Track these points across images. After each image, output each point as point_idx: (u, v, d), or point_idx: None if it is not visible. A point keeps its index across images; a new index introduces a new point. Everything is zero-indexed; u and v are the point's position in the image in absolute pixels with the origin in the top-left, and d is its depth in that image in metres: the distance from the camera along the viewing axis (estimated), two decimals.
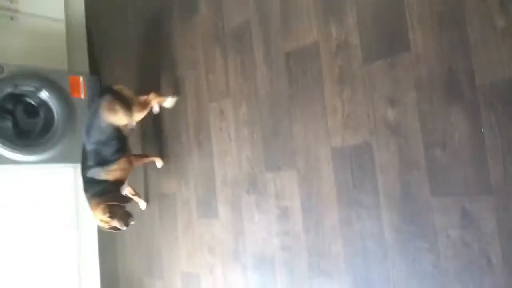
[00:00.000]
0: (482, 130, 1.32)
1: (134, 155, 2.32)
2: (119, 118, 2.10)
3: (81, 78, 2.78)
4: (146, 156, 2.47)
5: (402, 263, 1.49)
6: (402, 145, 1.50)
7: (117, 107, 2.08)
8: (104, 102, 2.07)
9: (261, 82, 1.94)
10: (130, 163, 2.20)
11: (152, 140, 2.55)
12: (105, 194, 2.07)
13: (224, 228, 2.09)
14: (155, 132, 2.51)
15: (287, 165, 1.84)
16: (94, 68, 3.02)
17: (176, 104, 2.35)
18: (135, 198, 2.47)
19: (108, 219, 2.07)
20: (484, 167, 1.32)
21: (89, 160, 2.11)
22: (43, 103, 2.62)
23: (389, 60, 1.53)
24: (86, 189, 2.13)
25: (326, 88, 1.71)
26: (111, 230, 2.16)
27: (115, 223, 2.08)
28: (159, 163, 2.43)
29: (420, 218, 1.45)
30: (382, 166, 1.55)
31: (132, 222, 2.13)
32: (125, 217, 2.10)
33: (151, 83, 2.52)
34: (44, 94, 2.60)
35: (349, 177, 1.64)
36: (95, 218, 2.11)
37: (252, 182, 1.98)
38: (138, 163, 2.35)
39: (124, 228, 2.11)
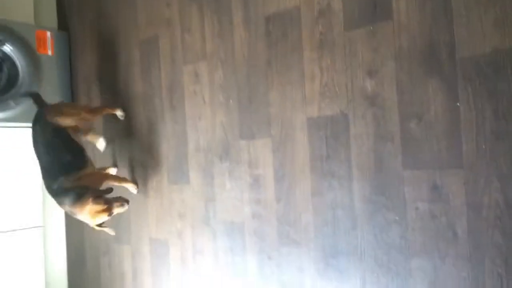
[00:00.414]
0: (458, 104, 1.31)
1: (107, 174, 2.27)
2: (65, 119, 2.06)
3: (48, 33, 2.61)
4: (124, 179, 2.32)
5: (370, 234, 1.50)
6: (378, 116, 1.48)
7: (62, 107, 2.12)
8: (46, 108, 2.09)
9: (239, 45, 1.87)
10: (100, 178, 2.14)
11: (124, 99, 2.45)
12: (84, 195, 1.93)
13: (195, 194, 2.06)
14: (126, 92, 2.41)
15: (261, 133, 1.80)
16: (63, 24, 2.85)
17: (149, 64, 2.25)
18: (124, 184, 2.31)
19: (106, 207, 1.94)
20: (457, 141, 1.32)
21: (50, 174, 2.00)
22: (7, 58, 2.46)
23: (371, 28, 1.49)
24: (61, 202, 1.97)
25: (306, 55, 1.66)
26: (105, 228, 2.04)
27: (116, 207, 1.97)
28: (133, 190, 2.33)
29: (390, 190, 1.45)
30: (357, 137, 1.53)
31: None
32: (120, 198, 2.00)
33: (123, 42, 2.39)
34: (7, 48, 2.43)
35: (323, 147, 1.62)
36: (91, 219, 1.96)
37: (225, 149, 1.93)
38: (110, 182, 2.20)
39: (126, 206, 2.01)
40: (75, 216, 1.99)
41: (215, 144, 1.97)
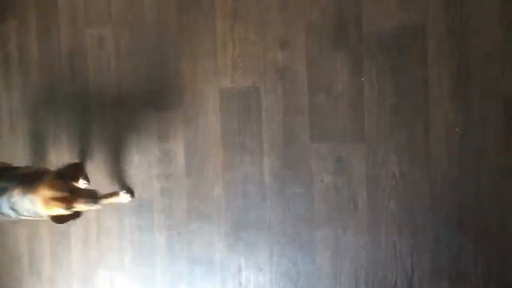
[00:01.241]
0: (362, 79, 1.35)
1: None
2: None
3: None
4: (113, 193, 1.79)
5: (278, 206, 1.51)
6: (288, 89, 1.47)
7: None
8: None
9: (148, 8, 1.73)
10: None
11: (15, 70, 2.17)
12: (33, 180, 1.51)
13: (100, 171, 1.91)
14: (20, 59, 2.14)
15: (172, 105, 1.71)
16: None
17: (46, 27, 2.01)
18: (111, 200, 1.78)
19: (67, 194, 1.46)
20: (360, 115, 1.36)
21: None
22: None
23: None
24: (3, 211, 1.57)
25: (218, 23, 1.59)
26: (72, 220, 1.58)
27: (82, 196, 1.50)
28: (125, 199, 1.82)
29: (298, 163, 1.46)
30: (267, 110, 1.51)
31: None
32: (94, 193, 1.56)
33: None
34: None
35: (235, 120, 1.58)
36: (47, 208, 1.47)
37: (134, 121, 1.81)
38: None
39: (95, 206, 1.56)
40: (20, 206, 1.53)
41: (122, 116, 1.83)
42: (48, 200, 1.45)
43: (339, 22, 1.37)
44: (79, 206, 1.50)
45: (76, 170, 1.74)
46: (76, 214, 1.57)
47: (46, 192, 1.46)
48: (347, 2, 1.35)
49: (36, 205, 1.47)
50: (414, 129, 1.27)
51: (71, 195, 1.47)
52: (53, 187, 1.47)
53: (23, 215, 1.57)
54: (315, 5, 1.41)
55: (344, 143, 1.39)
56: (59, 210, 1.47)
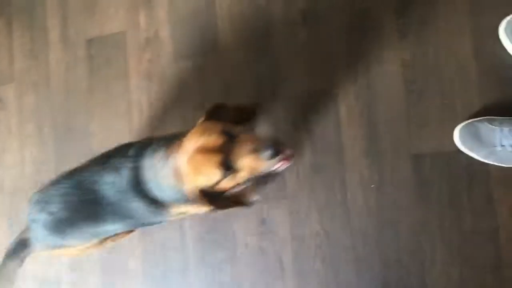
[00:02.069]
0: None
1: None
2: None
3: None
4: None
5: (202, 274, 1.41)
6: None
7: None
8: None
9: (55, 67, 1.62)
10: None
11: None
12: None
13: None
14: None
15: None
16: None
17: None
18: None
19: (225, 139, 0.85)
20: (282, 173, 1.35)
21: None
22: None
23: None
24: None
25: (132, 83, 1.53)
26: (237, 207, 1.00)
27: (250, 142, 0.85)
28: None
29: (222, 226, 1.40)
30: None
31: None
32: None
33: None
34: None
35: None
36: (197, 173, 0.87)
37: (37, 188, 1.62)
38: None
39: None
40: None
41: (25, 183, 1.64)
42: (199, 156, 0.85)
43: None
44: (244, 164, 0.85)
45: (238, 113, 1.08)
46: (240, 197, 0.99)
47: (196, 141, 0.87)
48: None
49: (181, 175, 0.89)
50: (332, 186, 1.29)
51: (231, 144, 0.85)
52: (205, 131, 0.88)
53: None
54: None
55: (267, 202, 1.35)
56: (213, 172, 0.85)
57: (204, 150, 0.84)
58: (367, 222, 1.25)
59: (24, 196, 1.63)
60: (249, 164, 0.84)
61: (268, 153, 0.82)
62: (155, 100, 1.50)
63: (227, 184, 0.88)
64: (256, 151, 0.83)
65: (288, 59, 1.34)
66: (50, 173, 1.60)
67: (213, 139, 0.85)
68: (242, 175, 0.87)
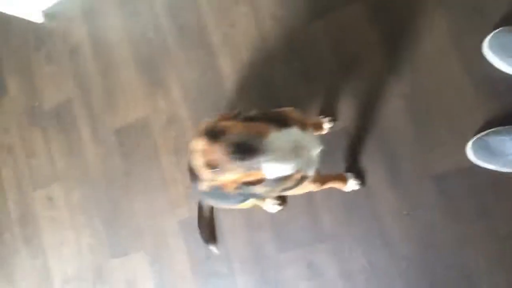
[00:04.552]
0: None
1: None
2: None
3: None
4: None
5: None
6: (244, 210, 1.53)
7: None
8: None
9: (92, 160, 1.79)
10: None
11: None
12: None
13: None
14: None
15: (134, 247, 1.69)
16: None
17: None
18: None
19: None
20: (315, 215, 1.42)
21: None
22: None
23: None
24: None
25: (163, 160, 1.67)
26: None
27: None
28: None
29: (272, 276, 1.48)
30: (230, 232, 1.55)
31: None
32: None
33: None
34: None
35: (201, 248, 1.58)
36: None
37: (97, 273, 1.76)
38: None
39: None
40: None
41: (85, 269, 1.78)
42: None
43: None
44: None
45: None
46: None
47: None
48: None
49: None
50: (367, 220, 1.36)
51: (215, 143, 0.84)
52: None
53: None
54: None
55: (309, 246, 1.43)
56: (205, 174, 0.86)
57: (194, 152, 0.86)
58: (408, 247, 1.31)
59: (87, 281, 1.77)
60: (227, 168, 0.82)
61: (234, 156, 0.80)
62: (186, 170, 1.63)
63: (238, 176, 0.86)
64: (228, 153, 0.80)
65: None
66: (106, 256, 1.74)
67: (199, 141, 0.85)
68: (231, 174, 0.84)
